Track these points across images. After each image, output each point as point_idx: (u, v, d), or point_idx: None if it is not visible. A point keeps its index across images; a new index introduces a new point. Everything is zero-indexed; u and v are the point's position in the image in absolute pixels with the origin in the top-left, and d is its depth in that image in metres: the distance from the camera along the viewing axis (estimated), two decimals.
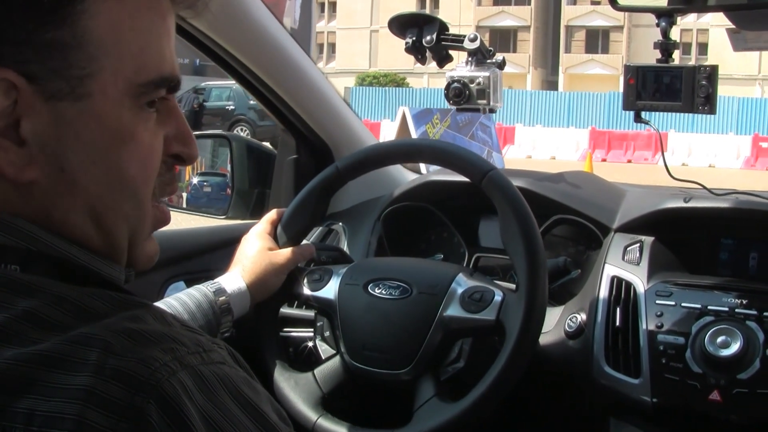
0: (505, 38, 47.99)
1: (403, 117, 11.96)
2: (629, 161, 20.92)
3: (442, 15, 45.97)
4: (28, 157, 0.63)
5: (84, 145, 0.65)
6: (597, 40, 47.03)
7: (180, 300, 1.32)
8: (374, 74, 41.58)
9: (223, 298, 1.34)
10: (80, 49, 0.63)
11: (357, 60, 47.66)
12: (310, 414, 1.38)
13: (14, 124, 0.63)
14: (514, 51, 47.55)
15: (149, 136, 0.69)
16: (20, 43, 0.62)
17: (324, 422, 1.37)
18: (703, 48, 41.16)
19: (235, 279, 1.38)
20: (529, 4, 48.09)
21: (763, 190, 1.71)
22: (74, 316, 0.59)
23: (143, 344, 0.58)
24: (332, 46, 49.66)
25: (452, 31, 1.69)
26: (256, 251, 1.42)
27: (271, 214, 1.51)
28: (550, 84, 47.10)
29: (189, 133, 0.74)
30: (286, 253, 1.43)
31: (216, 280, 1.38)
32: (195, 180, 2.09)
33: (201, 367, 0.59)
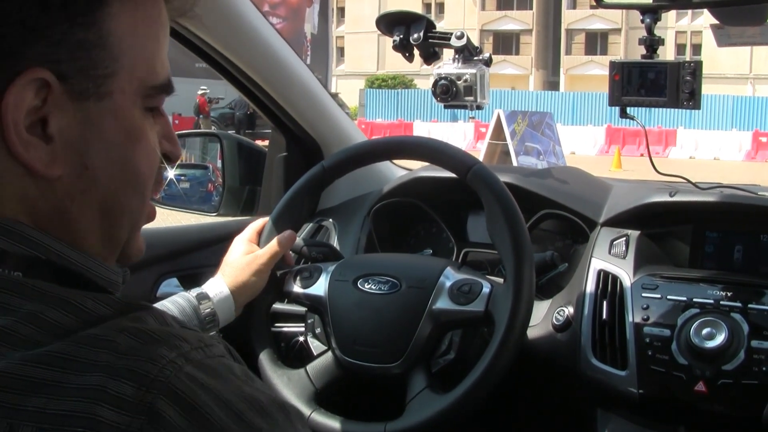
0: (507, 41, 49.15)
1: (498, 117, 13.11)
2: (641, 155, 22.07)
3: (447, 20, 46.08)
4: (53, 154, 0.65)
5: (105, 142, 0.67)
6: (596, 43, 48.02)
7: (164, 307, 1.35)
8: (383, 76, 42.29)
9: (207, 302, 1.38)
10: (104, 50, 0.66)
11: (365, 63, 48.72)
12: (304, 409, 1.39)
13: (41, 122, 0.64)
14: (517, 53, 48.97)
15: (152, 135, 0.73)
16: (55, 42, 0.63)
17: (317, 417, 1.39)
18: (696, 49, 41.66)
19: (217, 284, 1.42)
20: (531, 8, 49.08)
21: (751, 183, 1.73)
22: (78, 319, 0.60)
23: (149, 343, 0.59)
24: (341, 50, 50.35)
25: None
26: (237, 256, 1.47)
27: (256, 223, 1.54)
28: (552, 84, 47.94)
29: (174, 133, 0.78)
30: (264, 251, 1.46)
31: (201, 287, 1.41)
32: (171, 174, 1.98)
33: (206, 361, 0.60)
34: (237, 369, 0.63)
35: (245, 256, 1.46)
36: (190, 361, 0.59)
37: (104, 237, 0.71)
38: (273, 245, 1.47)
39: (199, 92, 20.50)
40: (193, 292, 1.40)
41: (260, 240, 1.51)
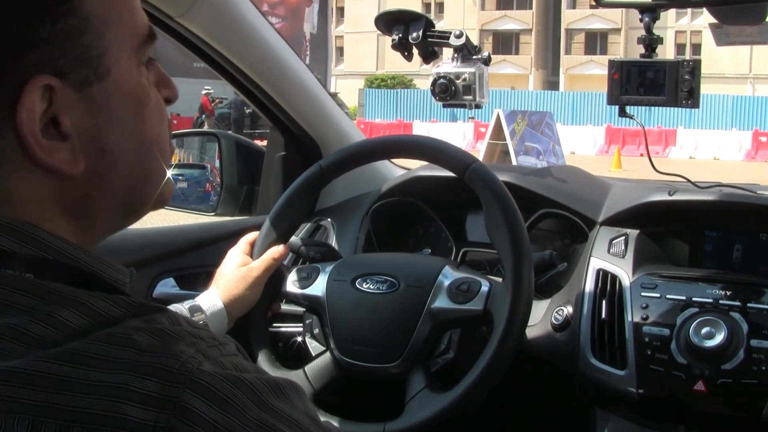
0: (507, 41, 49.33)
1: (498, 117, 13.38)
2: (641, 155, 21.89)
3: (447, 19, 45.96)
4: (74, 151, 0.65)
5: (116, 120, 0.68)
6: (596, 42, 48.14)
7: None
8: (382, 76, 42.30)
9: (199, 315, 1.37)
10: (90, 31, 0.65)
11: (364, 63, 48.67)
12: None
13: (52, 122, 0.64)
14: (517, 53, 49.13)
15: (153, 90, 0.73)
16: (47, 42, 0.63)
17: None
18: (696, 48, 41.81)
19: (211, 297, 1.41)
20: (531, 8, 49.21)
21: (751, 182, 1.72)
22: (92, 320, 0.60)
23: (168, 341, 0.60)
24: (340, 50, 50.28)
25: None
26: (231, 269, 1.46)
27: (249, 235, 1.53)
28: (552, 84, 48.10)
29: (167, 75, 0.78)
30: (258, 263, 1.46)
31: (195, 299, 1.41)
32: (169, 173, 2.01)
33: (221, 359, 0.61)
34: (249, 365, 0.64)
35: (239, 268, 1.45)
36: (208, 357, 0.60)
37: (128, 208, 0.72)
38: (267, 258, 1.46)
39: (203, 92, 20.63)
40: (186, 304, 1.38)
41: (254, 248, 1.49)
